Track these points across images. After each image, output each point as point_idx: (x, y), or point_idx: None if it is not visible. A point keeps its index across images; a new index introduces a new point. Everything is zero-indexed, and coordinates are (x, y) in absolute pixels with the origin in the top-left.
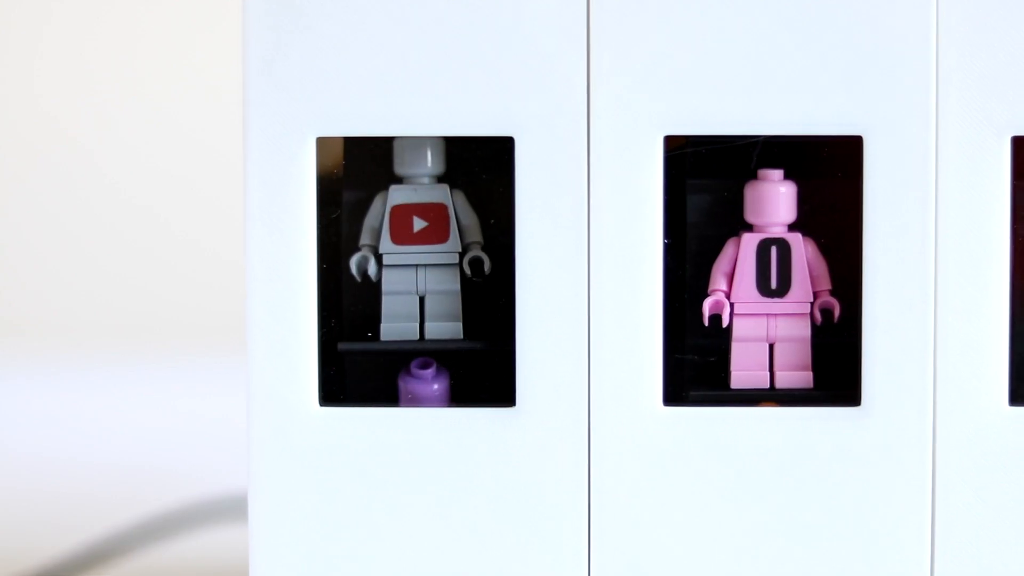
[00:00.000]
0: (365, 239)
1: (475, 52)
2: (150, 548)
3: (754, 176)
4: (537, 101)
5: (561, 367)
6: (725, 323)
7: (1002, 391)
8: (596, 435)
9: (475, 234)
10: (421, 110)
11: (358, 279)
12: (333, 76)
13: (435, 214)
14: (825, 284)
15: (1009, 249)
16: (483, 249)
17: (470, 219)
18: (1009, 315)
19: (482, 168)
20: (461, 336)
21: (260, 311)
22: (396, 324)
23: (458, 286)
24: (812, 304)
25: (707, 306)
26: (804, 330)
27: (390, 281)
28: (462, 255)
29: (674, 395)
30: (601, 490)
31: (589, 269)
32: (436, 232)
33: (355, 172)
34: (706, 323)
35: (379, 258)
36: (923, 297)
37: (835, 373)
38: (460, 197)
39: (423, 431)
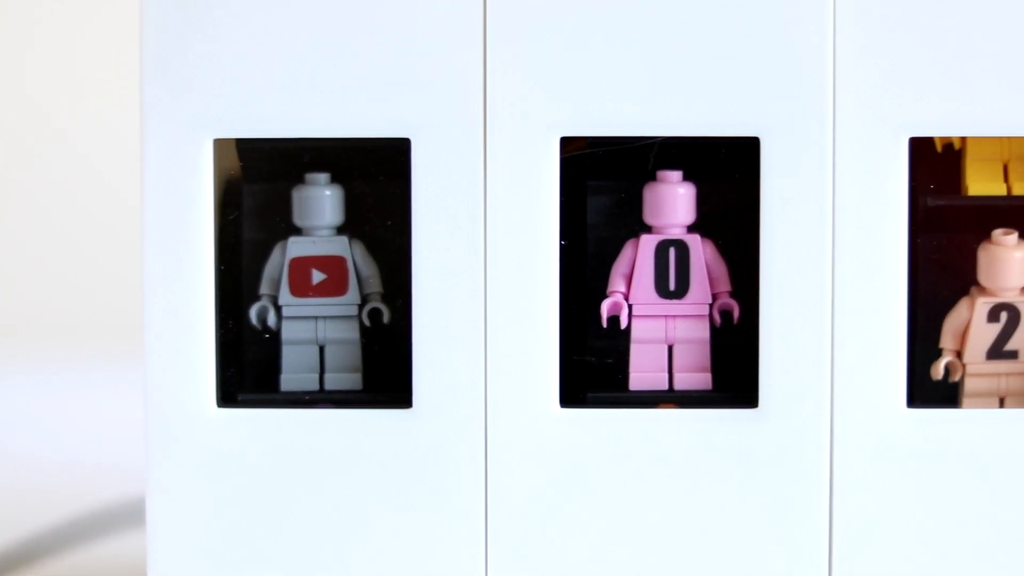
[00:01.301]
0: (265, 289)
1: (371, 53)
2: (54, 555)
3: (653, 177)
4: (433, 102)
5: (458, 368)
6: (623, 325)
7: (900, 393)
8: (493, 437)
9: (375, 285)
10: (317, 112)
11: (259, 328)
12: (230, 78)
13: (334, 267)
14: (724, 285)
15: (907, 250)
16: (384, 299)
17: (370, 270)
18: (907, 317)
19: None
20: (360, 387)
21: (157, 313)
22: (296, 375)
23: (358, 336)
24: (711, 306)
25: (605, 308)
26: (703, 332)
27: (290, 331)
28: (361, 306)
29: (572, 397)
30: (498, 492)
31: (486, 270)
32: (335, 285)
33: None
34: (604, 325)
35: (279, 308)
36: (820, 299)
37: (734, 375)
38: (360, 247)
39: (321, 432)
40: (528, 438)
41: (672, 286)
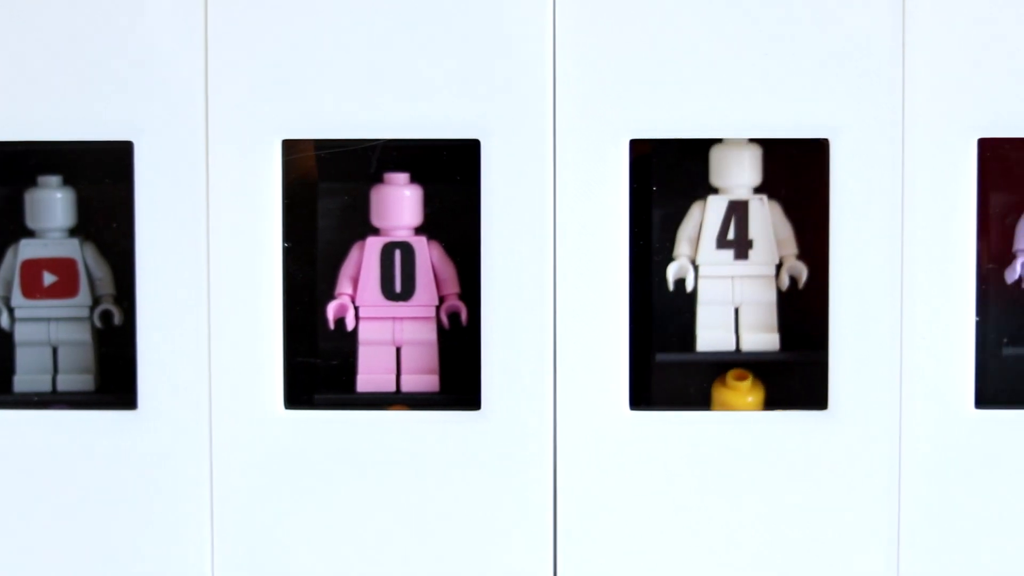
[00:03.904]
0: None
1: (93, 57)
2: None
3: (380, 180)
4: (155, 105)
5: (182, 369)
6: (350, 327)
7: (622, 394)
8: (217, 438)
9: (107, 286)
10: (42, 115)
11: None
12: None
13: (65, 268)
14: (452, 287)
15: (627, 250)
16: (116, 300)
17: (101, 271)
18: (628, 318)
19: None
20: (93, 388)
21: None
22: (29, 376)
23: (90, 338)
24: (439, 308)
25: (331, 310)
26: (430, 333)
27: (22, 333)
28: (93, 307)
29: (297, 398)
30: (223, 493)
31: (209, 272)
32: (66, 286)
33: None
34: (331, 327)
35: (11, 310)
36: (541, 299)
37: (461, 377)
38: (92, 249)
39: (51, 434)
40: (252, 439)
41: (398, 288)
